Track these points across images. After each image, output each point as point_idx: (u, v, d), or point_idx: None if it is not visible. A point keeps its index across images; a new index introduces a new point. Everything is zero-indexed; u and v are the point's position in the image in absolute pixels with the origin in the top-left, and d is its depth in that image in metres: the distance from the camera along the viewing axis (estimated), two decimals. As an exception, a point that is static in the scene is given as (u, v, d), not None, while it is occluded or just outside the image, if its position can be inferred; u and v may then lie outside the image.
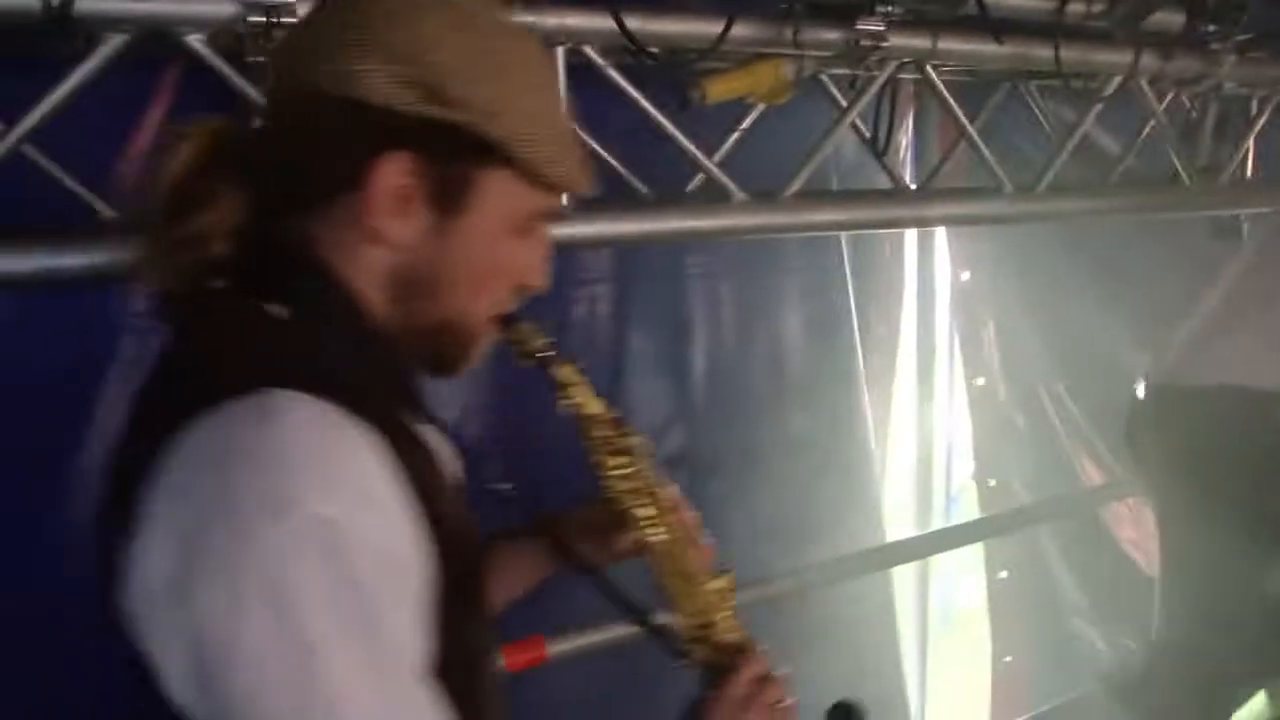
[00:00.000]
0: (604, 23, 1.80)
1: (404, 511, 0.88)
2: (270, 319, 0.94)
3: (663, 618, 1.23)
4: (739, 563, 1.26)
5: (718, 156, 2.13)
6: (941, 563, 4.07)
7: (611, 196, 2.00)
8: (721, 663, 1.16)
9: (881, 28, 2.07)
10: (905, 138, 3.27)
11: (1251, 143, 3.06)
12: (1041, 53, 2.33)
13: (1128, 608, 3.48)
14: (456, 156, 0.96)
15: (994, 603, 3.96)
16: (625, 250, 2.62)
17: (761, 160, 2.24)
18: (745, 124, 2.25)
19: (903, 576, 3.65)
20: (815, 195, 2.29)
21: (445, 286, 1.00)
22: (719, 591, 1.19)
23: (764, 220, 2.16)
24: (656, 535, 1.18)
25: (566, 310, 2.57)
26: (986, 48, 2.23)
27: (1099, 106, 2.53)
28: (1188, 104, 2.95)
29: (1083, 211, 2.69)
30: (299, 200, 0.98)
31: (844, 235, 3.04)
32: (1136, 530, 3.70)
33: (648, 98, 1.96)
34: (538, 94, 1.01)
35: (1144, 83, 2.63)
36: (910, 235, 3.61)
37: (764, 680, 1.15)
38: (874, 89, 2.21)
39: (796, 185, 2.16)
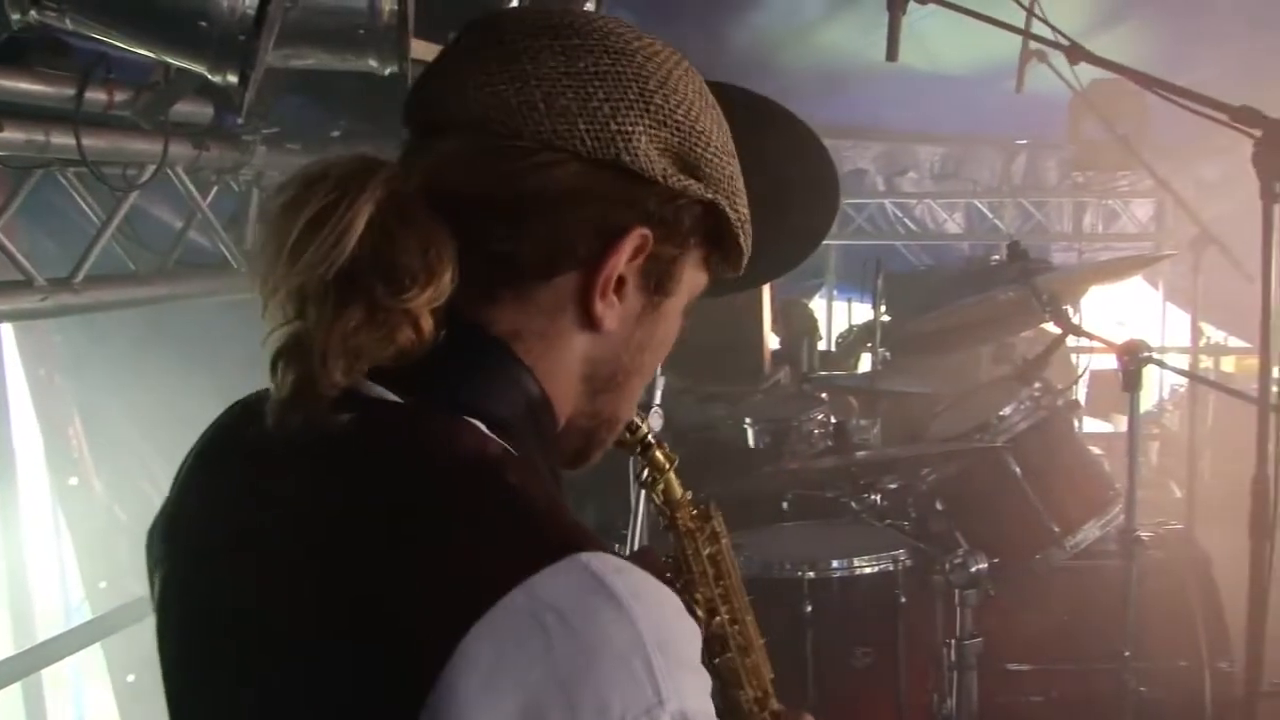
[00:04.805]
0: None
1: None
2: (501, 449, 0.78)
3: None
4: None
5: None
6: (60, 677, 3.81)
7: None
8: None
9: None
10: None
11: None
12: (64, 140, 2.23)
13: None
14: (689, 237, 0.84)
15: (123, 707, 3.74)
16: None
17: None
18: None
19: (10, 699, 3.38)
20: None
21: (633, 375, 0.88)
22: (758, 699, 1.10)
23: None
24: (719, 620, 1.10)
25: None
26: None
27: (134, 195, 2.54)
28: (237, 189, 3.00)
29: (127, 301, 2.59)
30: (512, 278, 0.80)
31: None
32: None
33: None
34: (740, 171, 0.88)
35: (180, 171, 2.69)
36: (-28, 334, 3.29)
37: None
38: None
39: None
